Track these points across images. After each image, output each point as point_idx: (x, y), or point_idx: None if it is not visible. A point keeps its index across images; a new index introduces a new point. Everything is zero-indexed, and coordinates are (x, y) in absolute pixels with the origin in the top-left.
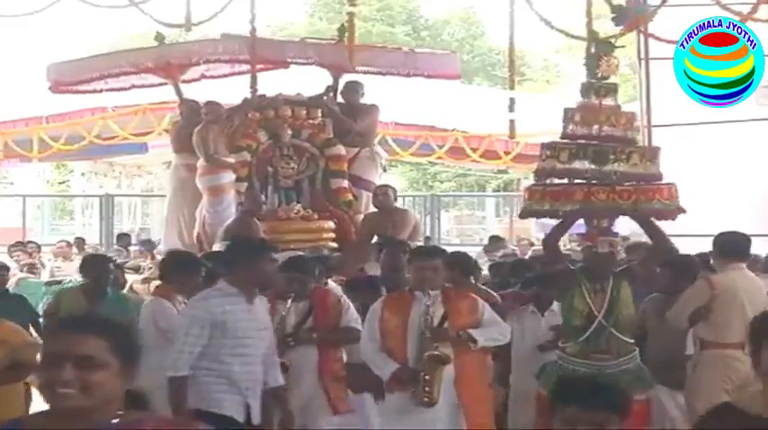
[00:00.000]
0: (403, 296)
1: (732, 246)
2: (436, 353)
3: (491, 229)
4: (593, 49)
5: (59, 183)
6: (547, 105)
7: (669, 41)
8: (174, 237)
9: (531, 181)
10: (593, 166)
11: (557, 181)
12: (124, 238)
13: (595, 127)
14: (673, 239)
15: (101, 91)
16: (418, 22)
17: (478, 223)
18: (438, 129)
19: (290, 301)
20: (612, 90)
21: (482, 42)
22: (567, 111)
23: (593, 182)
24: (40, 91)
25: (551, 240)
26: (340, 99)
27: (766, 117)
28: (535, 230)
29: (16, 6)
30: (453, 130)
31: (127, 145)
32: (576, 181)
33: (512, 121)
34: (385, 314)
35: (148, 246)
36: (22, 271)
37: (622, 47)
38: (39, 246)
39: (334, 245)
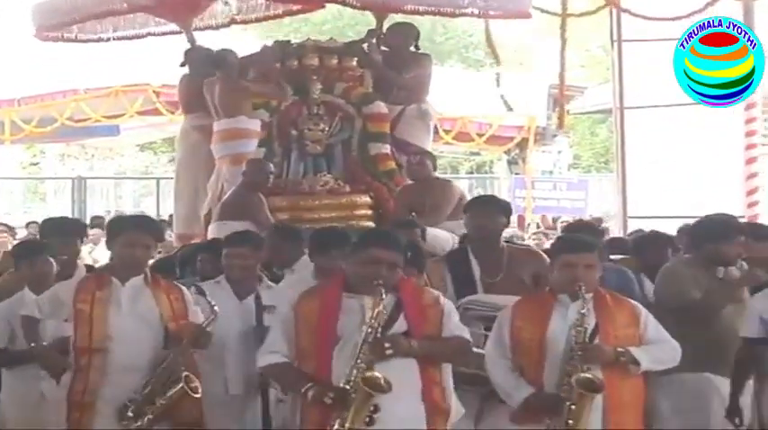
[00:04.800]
0: (541, 299)
1: None
2: (589, 376)
3: None
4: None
5: (31, 165)
6: (523, 86)
7: (645, 17)
8: (186, 211)
9: (504, 163)
10: None
11: None
12: (97, 221)
13: None
14: (647, 221)
15: (108, 40)
16: None
17: None
18: None
19: (383, 293)
20: None
21: (455, 24)
22: None
23: None
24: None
25: None
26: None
27: None
28: None
29: None
30: None
31: (99, 127)
32: None
33: (502, 96)
34: (517, 322)
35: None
36: None
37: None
38: (10, 228)
39: (372, 224)
